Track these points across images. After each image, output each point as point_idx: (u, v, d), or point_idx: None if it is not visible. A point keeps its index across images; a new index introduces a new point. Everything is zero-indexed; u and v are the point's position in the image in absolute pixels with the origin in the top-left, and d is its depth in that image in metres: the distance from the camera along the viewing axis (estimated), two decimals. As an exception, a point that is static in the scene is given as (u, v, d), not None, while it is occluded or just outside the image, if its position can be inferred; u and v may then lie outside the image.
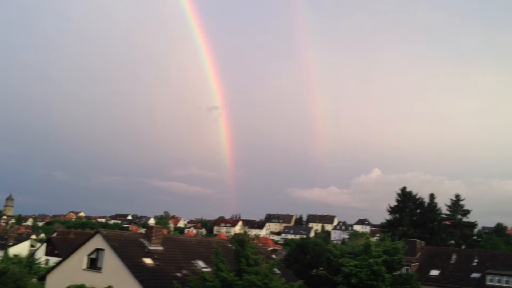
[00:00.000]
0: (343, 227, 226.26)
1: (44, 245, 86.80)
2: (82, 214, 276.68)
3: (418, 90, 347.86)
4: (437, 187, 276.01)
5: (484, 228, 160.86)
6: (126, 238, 30.80)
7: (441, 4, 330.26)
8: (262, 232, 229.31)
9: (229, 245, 31.07)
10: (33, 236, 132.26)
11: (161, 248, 30.97)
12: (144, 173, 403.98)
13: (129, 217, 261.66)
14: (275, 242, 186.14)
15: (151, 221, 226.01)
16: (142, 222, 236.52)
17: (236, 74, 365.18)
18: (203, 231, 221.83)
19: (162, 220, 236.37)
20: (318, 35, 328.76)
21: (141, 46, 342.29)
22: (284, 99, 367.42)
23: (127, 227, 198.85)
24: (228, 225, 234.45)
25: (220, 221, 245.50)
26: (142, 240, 31.04)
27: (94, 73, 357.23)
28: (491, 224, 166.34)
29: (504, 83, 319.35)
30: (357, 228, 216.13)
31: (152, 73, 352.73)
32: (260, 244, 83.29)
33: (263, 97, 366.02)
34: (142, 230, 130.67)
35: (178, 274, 28.59)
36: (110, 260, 28.27)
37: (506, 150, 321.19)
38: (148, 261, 28.65)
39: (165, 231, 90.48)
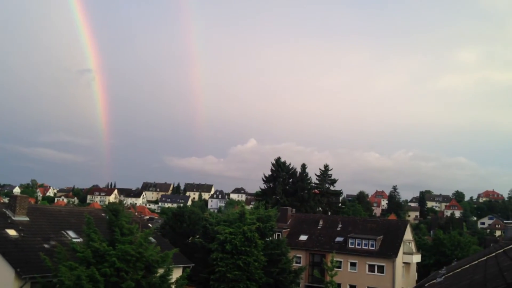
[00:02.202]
0: (220, 196, 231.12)
1: None
2: None
3: (289, 66, 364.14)
4: (308, 157, 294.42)
5: (348, 196, 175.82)
6: (-14, 209, 28.42)
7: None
8: (139, 201, 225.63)
9: (103, 214, 30.20)
10: None
11: (26, 218, 29.21)
12: (3, 137, 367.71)
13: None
14: (152, 211, 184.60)
15: (16, 190, 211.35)
16: (6, 191, 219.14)
17: (113, 37, 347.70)
18: (75, 200, 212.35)
19: (29, 189, 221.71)
20: (205, 8, 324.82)
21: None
22: (165, 66, 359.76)
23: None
24: (103, 194, 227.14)
25: (94, 189, 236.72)
26: (5, 210, 29.08)
27: None
28: (354, 192, 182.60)
29: (369, 61, 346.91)
30: (234, 196, 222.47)
31: (11, 27, 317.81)
32: (136, 213, 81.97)
33: (142, 62, 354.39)
34: (6, 200, 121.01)
35: (46, 246, 27.32)
36: (-34, 233, 26.00)
37: (369, 123, 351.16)
38: (11, 232, 27.03)
39: (32, 201, 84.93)
